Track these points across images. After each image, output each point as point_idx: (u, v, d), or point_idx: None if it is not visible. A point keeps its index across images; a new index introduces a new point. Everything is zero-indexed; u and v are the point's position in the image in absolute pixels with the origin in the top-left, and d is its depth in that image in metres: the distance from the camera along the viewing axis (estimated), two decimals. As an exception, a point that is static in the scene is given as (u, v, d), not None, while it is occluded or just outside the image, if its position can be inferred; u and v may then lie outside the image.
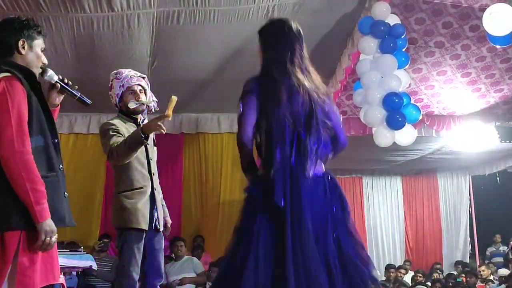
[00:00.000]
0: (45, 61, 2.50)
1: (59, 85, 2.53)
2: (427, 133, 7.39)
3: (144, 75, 3.58)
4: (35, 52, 2.43)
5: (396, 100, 5.16)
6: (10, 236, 2.20)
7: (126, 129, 3.40)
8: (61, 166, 2.41)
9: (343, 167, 9.76)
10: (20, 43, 2.39)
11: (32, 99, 2.32)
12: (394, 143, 5.49)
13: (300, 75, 2.47)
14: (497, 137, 7.11)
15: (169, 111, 3.16)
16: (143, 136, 3.18)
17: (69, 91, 2.56)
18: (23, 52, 2.40)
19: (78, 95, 2.58)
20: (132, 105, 3.43)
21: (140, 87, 3.48)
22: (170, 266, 6.57)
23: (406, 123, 5.27)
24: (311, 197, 2.32)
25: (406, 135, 5.45)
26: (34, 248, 2.23)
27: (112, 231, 3.62)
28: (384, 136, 5.33)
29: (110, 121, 3.43)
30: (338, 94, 6.61)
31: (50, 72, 2.53)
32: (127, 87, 3.44)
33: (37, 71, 2.46)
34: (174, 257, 6.68)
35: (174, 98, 3.18)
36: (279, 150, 2.35)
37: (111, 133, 3.33)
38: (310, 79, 2.51)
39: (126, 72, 3.50)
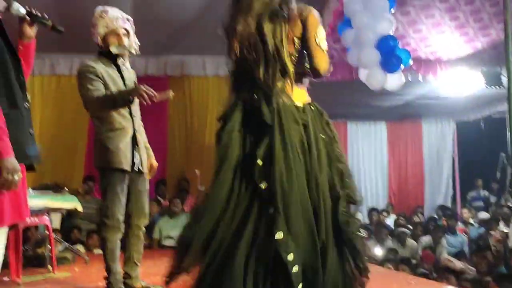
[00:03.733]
0: None
1: (28, 17, 2.46)
2: (414, 78, 7.37)
3: (129, 17, 3.47)
4: None
5: (391, 43, 5.12)
6: None
7: (106, 72, 3.32)
8: (26, 104, 2.36)
9: (328, 111, 9.72)
10: None
11: None
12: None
13: None
14: (483, 82, 7.10)
15: (159, 96, 3.19)
16: (131, 100, 3.18)
17: (39, 21, 2.49)
18: None
19: (51, 24, 2.51)
20: (114, 50, 3.35)
21: (124, 31, 3.38)
22: (163, 222, 6.62)
23: (402, 66, 5.25)
24: None
25: (394, 79, 5.42)
26: None
27: (96, 173, 3.59)
28: (376, 79, 5.29)
29: (89, 63, 3.33)
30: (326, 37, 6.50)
31: (16, 5, 2.45)
32: (112, 29, 3.34)
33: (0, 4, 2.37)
34: (168, 213, 6.72)
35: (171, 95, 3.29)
36: None
37: (90, 76, 3.26)
38: None
39: (111, 12, 3.38)
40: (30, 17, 2.47)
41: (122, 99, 3.23)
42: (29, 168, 2.45)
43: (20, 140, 2.28)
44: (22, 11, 2.46)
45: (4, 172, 2.17)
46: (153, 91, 3.15)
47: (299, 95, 2.37)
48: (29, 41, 2.51)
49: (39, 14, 2.49)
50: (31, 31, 2.50)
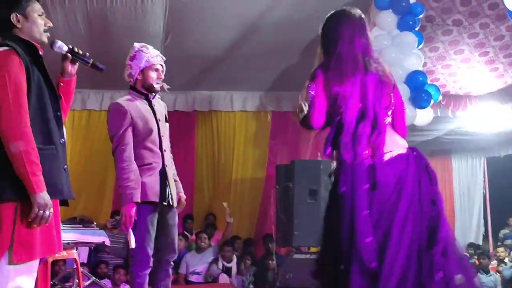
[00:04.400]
0: (49, 23, 2.47)
1: (70, 55, 2.52)
2: (443, 113, 7.29)
3: (164, 57, 3.55)
4: (31, 21, 2.40)
5: (420, 79, 5.09)
6: (5, 208, 2.21)
7: (136, 108, 3.35)
8: (62, 139, 2.40)
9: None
10: (13, 17, 2.37)
11: (33, 72, 2.31)
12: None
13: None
14: (514, 118, 7.00)
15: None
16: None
17: (80, 59, 2.55)
18: (19, 25, 2.38)
19: (91, 62, 2.56)
20: (156, 84, 3.42)
21: (161, 67, 3.46)
22: (190, 257, 6.60)
23: (432, 101, 5.21)
24: None
25: (423, 115, 5.38)
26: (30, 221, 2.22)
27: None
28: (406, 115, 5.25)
29: (121, 103, 3.38)
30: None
31: (59, 43, 2.53)
32: (152, 64, 3.40)
33: (42, 36, 2.43)
34: (195, 248, 6.70)
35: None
36: None
37: (119, 120, 3.30)
38: None
39: (151, 49, 3.48)
40: (72, 55, 2.53)
41: (121, 188, 3.26)
42: (62, 203, 2.48)
43: (54, 176, 2.32)
44: (65, 48, 2.53)
45: (36, 207, 2.19)
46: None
47: None
48: (70, 77, 2.57)
49: (80, 52, 2.55)
50: (72, 68, 2.57)
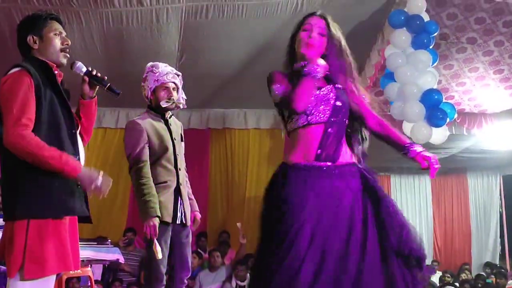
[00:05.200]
0: (67, 41, 2.50)
1: (87, 78, 2.55)
2: (458, 131, 7.26)
3: (179, 73, 3.56)
4: (46, 41, 2.45)
5: (436, 97, 5.09)
6: (18, 226, 2.25)
7: (152, 126, 3.39)
8: (77, 156, 2.43)
9: (370, 165, 9.63)
10: (29, 39, 2.44)
11: (45, 90, 2.34)
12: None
13: None
14: (530, 136, 6.95)
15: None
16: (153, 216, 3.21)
17: (97, 81, 2.57)
18: (35, 46, 2.44)
19: (107, 85, 2.58)
20: (164, 104, 3.43)
21: (173, 85, 3.47)
22: (204, 275, 6.58)
23: (448, 119, 5.20)
24: None
25: (439, 133, 5.36)
26: (42, 237, 2.25)
27: (139, 225, 3.62)
28: (421, 133, 5.23)
29: (138, 121, 3.42)
30: (367, 90, 6.52)
31: (78, 64, 2.55)
32: (162, 82, 3.43)
33: (58, 56, 2.46)
34: (208, 266, 6.69)
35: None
36: None
37: (135, 136, 3.33)
38: None
39: (163, 67, 3.48)
40: (89, 77, 2.56)
41: (142, 203, 3.26)
42: (84, 220, 2.50)
43: (64, 193, 2.35)
44: (83, 70, 2.55)
45: (86, 186, 2.33)
46: None
47: None
48: (90, 99, 2.60)
49: (98, 75, 2.57)
50: (91, 90, 2.60)
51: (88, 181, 2.31)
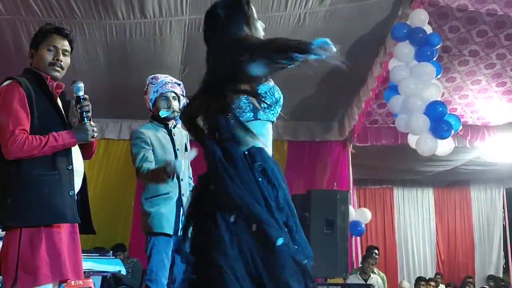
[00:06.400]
0: (57, 57, 2.52)
1: (75, 100, 2.53)
2: (461, 143, 7.25)
3: (180, 82, 3.57)
4: (39, 55, 2.54)
5: (440, 109, 5.10)
6: (11, 235, 2.30)
7: (155, 136, 3.40)
8: (69, 166, 2.45)
9: (373, 177, 9.65)
10: (29, 52, 2.60)
11: (36, 99, 2.42)
12: (425, 153, 5.41)
13: None
14: (533, 149, 6.94)
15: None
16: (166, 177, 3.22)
17: (79, 111, 2.51)
18: (31, 59, 2.58)
19: (84, 122, 2.51)
20: (163, 113, 3.43)
21: (173, 94, 3.47)
22: None
23: (453, 131, 5.21)
24: None
25: (444, 145, 5.37)
26: (34, 245, 2.27)
27: (143, 236, 3.60)
28: (427, 145, 5.24)
29: (141, 130, 3.44)
30: (369, 102, 6.53)
31: (78, 85, 2.53)
32: (161, 93, 3.44)
33: (47, 69, 2.52)
34: None
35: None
36: None
37: (140, 144, 3.35)
38: None
39: (162, 77, 3.50)
40: (76, 102, 2.53)
41: (150, 175, 3.27)
42: (86, 231, 2.52)
43: (54, 200, 2.36)
44: (79, 93, 2.53)
45: (88, 139, 2.51)
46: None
47: None
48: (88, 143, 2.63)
49: (85, 108, 2.52)
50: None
51: (83, 136, 2.47)
